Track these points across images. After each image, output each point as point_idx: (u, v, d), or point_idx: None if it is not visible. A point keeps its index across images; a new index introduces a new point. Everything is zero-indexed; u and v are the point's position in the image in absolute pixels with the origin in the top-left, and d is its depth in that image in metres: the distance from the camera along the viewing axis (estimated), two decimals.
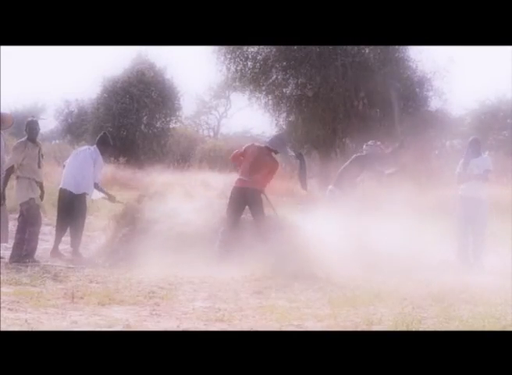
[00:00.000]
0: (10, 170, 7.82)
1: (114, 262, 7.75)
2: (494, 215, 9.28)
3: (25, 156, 7.83)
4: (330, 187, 9.42)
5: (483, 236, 8.80)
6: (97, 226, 9.95)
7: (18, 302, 5.12)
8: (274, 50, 21.71)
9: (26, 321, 4.43)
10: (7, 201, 8.00)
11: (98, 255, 8.25)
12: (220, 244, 7.77)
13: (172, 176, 10.52)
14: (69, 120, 33.42)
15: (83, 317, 4.71)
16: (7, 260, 7.66)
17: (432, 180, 15.94)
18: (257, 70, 22.22)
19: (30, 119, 8.29)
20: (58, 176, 9.06)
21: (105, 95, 29.43)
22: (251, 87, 22.58)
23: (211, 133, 42.86)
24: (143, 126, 30.06)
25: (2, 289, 5.63)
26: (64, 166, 8.85)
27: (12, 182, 8.18)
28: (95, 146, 8.68)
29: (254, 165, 7.93)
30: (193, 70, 57.63)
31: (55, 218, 8.88)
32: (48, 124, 33.06)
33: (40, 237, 8.11)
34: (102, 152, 8.65)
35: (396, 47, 21.65)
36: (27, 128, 8.01)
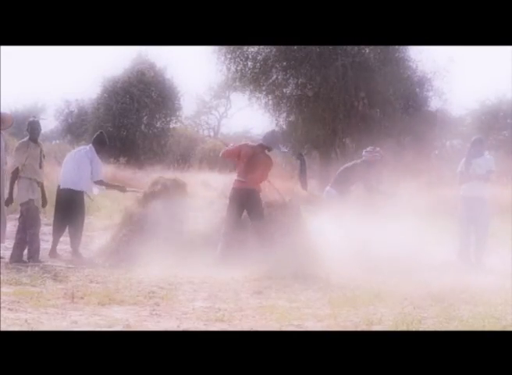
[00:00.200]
0: (16, 172, 7.80)
1: (114, 263, 7.75)
2: (494, 215, 9.26)
3: (28, 156, 7.83)
4: (327, 188, 9.44)
5: (486, 236, 8.80)
6: (97, 226, 9.95)
7: (18, 302, 5.12)
8: (274, 50, 21.72)
9: (26, 321, 4.43)
10: None
11: (98, 255, 8.25)
12: (221, 246, 7.79)
13: (173, 176, 10.50)
14: (69, 120, 33.45)
15: (83, 317, 4.71)
16: (7, 260, 7.66)
17: (432, 180, 15.94)
18: (257, 70, 22.24)
19: (31, 119, 8.29)
20: (58, 176, 9.05)
21: (105, 95, 29.46)
22: (251, 87, 22.60)
23: (212, 134, 42.88)
24: (143, 126, 30.09)
25: (2, 289, 5.63)
26: None
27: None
28: (91, 145, 8.66)
29: (249, 165, 7.98)
30: (193, 70, 57.74)
31: None
32: (48, 124, 33.09)
33: (40, 237, 8.10)
34: (98, 151, 8.63)
35: (396, 47, 21.67)
36: (29, 128, 8.01)
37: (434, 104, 24.12)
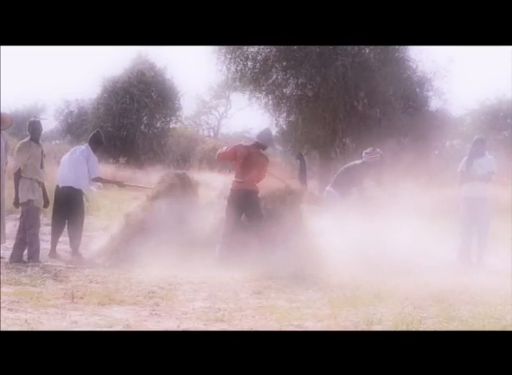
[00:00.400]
0: (18, 173, 7.80)
1: (114, 263, 7.75)
2: (494, 215, 9.26)
3: (29, 156, 7.83)
4: (328, 188, 9.44)
5: (487, 236, 8.80)
6: (97, 226, 9.95)
7: (18, 302, 5.12)
8: (274, 50, 21.71)
9: (26, 321, 4.43)
10: (6, 202, 8.00)
11: (98, 255, 8.24)
12: (220, 247, 7.80)
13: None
14: (69, 120, 33.44)
15: (83, 317, 4.71)
16: (7, 260, 7.66)
17: (432, 179, 15.94)
18: (257, 70, 22.23)
19: (32, 119, 8.29)
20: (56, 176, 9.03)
21: (105, 95, 29.47)
22: (251, 87, 22.59)
23: (212, 134, 42.91)
24: (143, 126, 30.11)
25: (2, 289, 5.63)
26: None
27: (12, 182, 8.17)
28: (87, 144, 8.66)
29: (245, 165, 8.02)
30: (193, 70, 57.78)
31: None
32: (48, 124, 33.06)
33: (40, 237, 8.09)
34: (95, 150, 8.63)
35: (396, 47, 21.67)
36: (30, 128, 8.01)
37: (434, 104, 24.14)
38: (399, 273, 7.15)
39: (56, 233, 8.47)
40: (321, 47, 20.56)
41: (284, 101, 22.51)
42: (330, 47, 20.68)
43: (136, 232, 8.21)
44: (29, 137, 8.01)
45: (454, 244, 8.89)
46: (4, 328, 4.15)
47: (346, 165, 9.73)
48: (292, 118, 22.79)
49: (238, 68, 22.32)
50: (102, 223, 9.95)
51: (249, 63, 22.30)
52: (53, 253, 8.34)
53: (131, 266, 7.36)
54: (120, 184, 9.17)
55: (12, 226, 8.92)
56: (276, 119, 23.01)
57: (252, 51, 22.24)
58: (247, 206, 7.98)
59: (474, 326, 4.64)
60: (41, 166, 7.97)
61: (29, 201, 7.79)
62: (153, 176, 11.06)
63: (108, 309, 5.06)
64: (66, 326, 4.40)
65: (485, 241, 8.78)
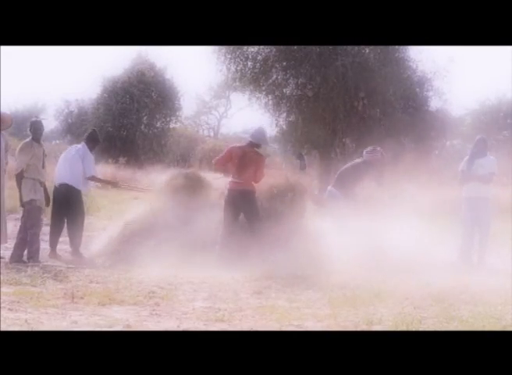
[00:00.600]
0: (21, 174, 7.80)
1: (114, 263, 7.75)
2: (494, 215, 9.26)
3: (31, 157, 7.84)
4: (329, 187, 9.43)
5: (488, 236, 8.80)
6: (97, 226, 9.95)
7: (18, 302, 5.12)
8: (274, 50, 21.68)
9: (26, 321, 4.43)
10: (7, 202, 8.00)
11: (98, 255, 8.24)
12: (220, 248, 7.81)
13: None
14: (69, 120, 33.42)
15: (83, 317, 4.71)
16: (7, 260, 7.66)
17: (433, 179, 15.94)
18: (257, 70, 22.20)
19: (34, 119, 8.29)
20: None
21: (105, 95, 29.47)
22: (251, 87, 22.56)
23: (211, 134, 42.92)
24: (143, 126, 30.10)
25: (2, 289, 5.63)
26: None
27: (12, 182, 8.18)
28: (83, 143, 8.64)
29: (241, 165, 8.06)
30: (193, 70, 57.79)
31: None
32: (48, 124, 33.04)
33: (40, 237, 8.09)
34: (91, 149, 8.62)
35: (396, 47, 21.63)
36: (32, 128, 8.02)
37: (434, 104, 24.11)
38: (399, 272, 7.15)
39: (55, 233, 8.44)
40: (321, 47, 20.54)
41: (284, 101, 22.48)
42: (330, 47, 20.66)
43: (136, 232, 8.22)
44: (30, 137, 8.02)
45: (455, 244, 8.89)
46: (4, 328, 4.15)
47: (347, 164, 9.72)
48: (292, 118, 22.77)
49: (238, 68, 22.29)
50: (102, 223, 9.95)
51: (249, 63, 22.28)
52: (53, 253, 8.33)
53: (131, 266, 7.37)
54: (115, 185, 9.12)
55: (12, 226, 8.92)
56: (276, 119, 22.98)
57: (252, 51, 22.21)
58: (244, 206, 7.99)
59: (474, 326, 4.64)
60: (43, 166, 7.98)
61: (31, 200, 7.80)
62: (153, 176, 11.04)
63: (108, 309, 5.06)
64: (66, 326, 4.40)
65: (485, 241, 8.77)
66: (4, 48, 17.89)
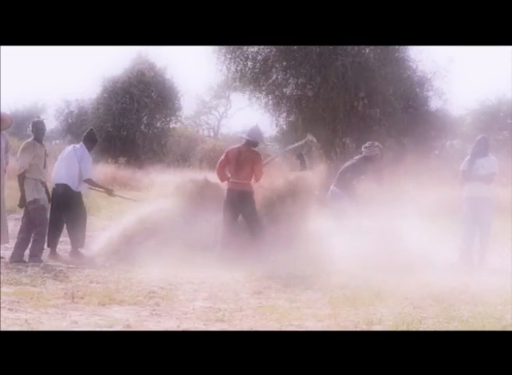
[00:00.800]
0: (23, 174, 7.79)
1: (114, 263, 7.75)
2: (494, 215, 9.26)
3: (34, 157, 7.84)
4: (332, 187, 9.43)
5: (488, 235, 8.80)
6: (97, 226, 9.94)
7: (18, 302, 5.12)
8: (274, 50, 21.67)
9: (26, 321, 4.43)
10: (7, 201, 7.99)
11: (98, 255, 8.24)
12: (220, 248, 7.81)
13: (173, 177, 10.49)
14: (69, 120, 33.39)
15: (83, 317, 4.71)
16: (7, 260, 7.66)
17: (432, 179, 15.93)
18: (257, 70, 22.19)
19: (36, 119, 8.29)
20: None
21: (105, 95, 29.45)
22: (251, 87, 22.54)
23: (212, 134, 42.87)
24: (143, 126, 30.07)
25: (2, 289, 5.63)
26: None
27: (12, 182, 8.17)
28: (81, 143, 8.62)
29: (237, 165, 8.12)
30: (193, 70, 57.68)
31: None
32: (48, 124, 32.98)
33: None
34: (90, 149, 8.59)
35: (396, 47, 21.62)
36: (34, 128, 8.02)
37: (434, 104, 24.10)
38: (399, 272, 7.14)
39: (54, 233, 8.39)
40: (321, 47, 20.53)
41: (284, 101, 22.47)
42: (330, 47, 20.64)
43: (136, 232, 8.22)
44: (32, 137, 8.02)
45: (455, 244, 8.88)
46: (4, 328, 4.15)
47: (347, 162, 9.72)
48: (292, 118, 22.76)
49: (238, 68, 22.27)
50: (102, 223, 9.94)
51: (249, 63, 22.26)
52: (53, 253, 8.31)
53: (131, 266, 7.37)
54: (109, 192, 9.01)
55: (12, 225, 8.92)
56: (276, 119, 22.97)
57: (252, 51, 22.19)
58: (242, 207, 8.01)
59: (474, 326, 4.64)
60: (44, 166, 7.98)
61: (35, 200, 7.80)
62: (153, 176, 11.02)
63: (108, 309, 5.06)
64: (66, 326, 4.40)
65: (486, 240, 8.77)
66: (4, 48, 17.90)
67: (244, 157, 8.14)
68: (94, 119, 29.16)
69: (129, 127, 29.23)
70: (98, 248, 8.50)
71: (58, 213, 8.29)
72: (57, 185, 8.33)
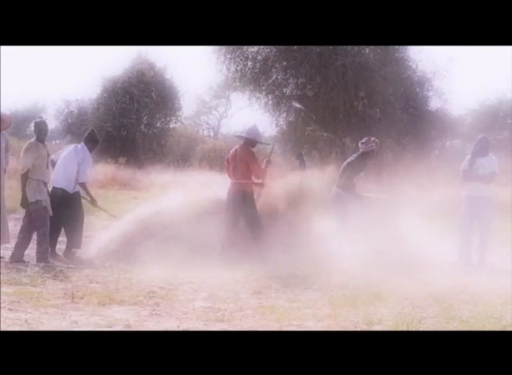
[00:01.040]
0: (26, 174, 7.79)
1: (114, 263, 7.75)
2: (494, 214, 9.26)
3: (37, 157, 7.84)
4: (334, 187, 9.42)
5: (488, 234, 8.79)
6: (97, 226, 9.94)
7: (18, 302, 5.12)
8: (274, 50, 21.69)
9: (26, 321, 4.43)
10: (7, 201, 7.99)
11: (98, 255, 8.23)
12: (220, 248, 7.82)
13: (173, 176, 10.51)
14: (69, 120, 33.39)
15: (83, 317, 4.71)
16: (7, 260, 7.66)
17: (432, 179, 15.93)
18: (257, 70, 22.21)
19: (38, 120, 8.28)
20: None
21: (105, 95, 29.44)
22: (251, 87, 22.57)
23: (212, 134, 42.86)
24: (143, 126, 30.07)
25: (2, 289, 5.63)
26: None
27: (12, 182, 8.17)
28: (82, 144, 8.60)
29: (234, 165, 8.21)
30: (193, 70, 57.64)
31: None
32: (48, 124, 32.98)
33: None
34: (91, 149, 8.58)
35: (396, 47, 21.65)
36: (36, 129, 8.02)
37: (434, 104, 24.13)
38: (399, 272, 7.14)
39: (53, 233, 8.38)
40: (321, 47, 20.55)
41: (284, 101, 22.49)
42: (330, 47, 20.67)
43: (136, 232, 8.22)
44: (35, 138, 8.02)
45: (454, 243, 8.88)
46: (4, 328, 4.15)
47: (346, 160, 9.71)
48: (292, 118, 22.78)
49: (238, 68, 22.29)
50: (102, 223, 9.94)
51: (249, 63, 22.28)
52: (53, 254, 8.30)
53: (131, 266, 7.37)
54: (93, 203, 8.95)
55: (12, 225, 8.91)
56: (276, 119, 23.00)
57: (252, 51, 22.21)
58: (242, 207, 8.02)
59: (474, 326, 4.64)
60: (47, 167, 7.98)
61: (37, 201, 7.80)
62: (153, 176, 11.04)
63: (108, 309, 5.06)
64: (66, 326, 4.40)
65: (486, 240, 8.76)
66: (4, 48, 17.89)
67: (239, 157, 8.21)
68: (94, 119, 29.15)
69: (129, 127, 29.23)
70: (98, 248, 8.49)
71: (57, 214, 8.28)
72: (55, 187, 8.33)
